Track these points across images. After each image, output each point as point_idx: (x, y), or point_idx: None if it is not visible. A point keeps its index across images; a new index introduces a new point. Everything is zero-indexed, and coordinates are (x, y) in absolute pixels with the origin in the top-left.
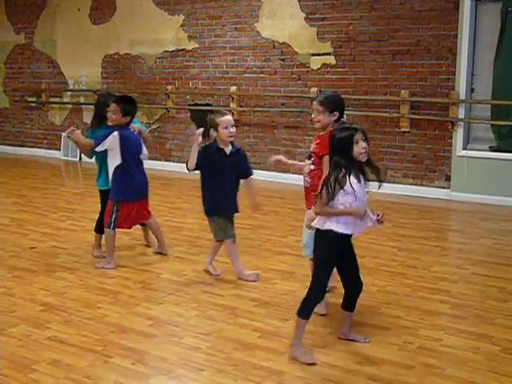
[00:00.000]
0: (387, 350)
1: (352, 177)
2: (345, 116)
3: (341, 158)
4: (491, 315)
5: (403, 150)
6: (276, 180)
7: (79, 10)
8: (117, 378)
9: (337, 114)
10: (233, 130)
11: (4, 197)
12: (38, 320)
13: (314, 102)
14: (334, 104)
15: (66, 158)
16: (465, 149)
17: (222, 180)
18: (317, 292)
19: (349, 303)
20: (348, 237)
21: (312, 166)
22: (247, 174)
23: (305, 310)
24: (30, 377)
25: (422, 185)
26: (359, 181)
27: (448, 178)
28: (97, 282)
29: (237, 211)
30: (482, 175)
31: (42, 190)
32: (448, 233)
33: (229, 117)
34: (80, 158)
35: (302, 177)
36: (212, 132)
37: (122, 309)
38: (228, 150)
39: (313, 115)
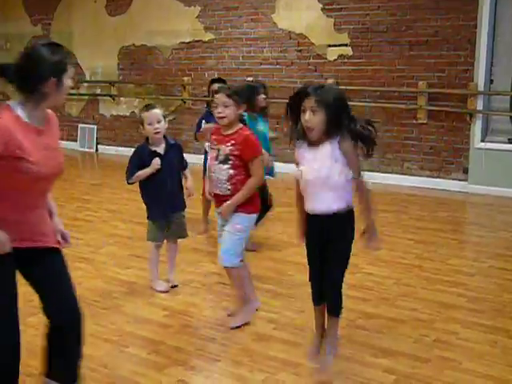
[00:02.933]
0: (403, 343)
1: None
2: None
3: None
4: (508, 309)
5: (420, 142)
6: (293, 172)
7: (95, 1)
8: (133, 368)
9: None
10: (158, 125)
11: None
12: None
13: (219, 96)
14: (242, 96)
15: (83, 149)
16: (483, 141)
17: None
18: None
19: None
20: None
21: (231, 171)
22: (183, 168)
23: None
24: None
25: (439, 177)
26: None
27: (466, 171)
28: (113, 273)
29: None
30: (501, 168)
31: (59, 181)
32: (465, 225)
33: (155, 110)
34: (96, 150)
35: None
36: (140, 129)
37: (137, 299)
38: (161, 148)
39: (218, 110)
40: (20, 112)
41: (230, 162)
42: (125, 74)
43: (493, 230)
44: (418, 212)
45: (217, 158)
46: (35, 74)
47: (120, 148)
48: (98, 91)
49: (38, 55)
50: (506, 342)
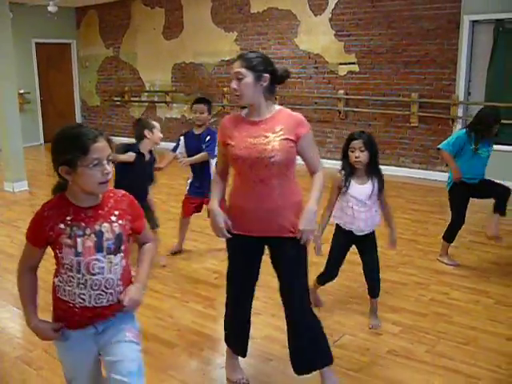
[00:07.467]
0: (406, 302)
1: (353, 181)
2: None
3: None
4: (487, 275)
5: (412, 141)
6: None
7: (155, 28)
8: (193, 319)
9: None
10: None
11: None
12: None
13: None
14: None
15: None
16: None
17: None
18: None
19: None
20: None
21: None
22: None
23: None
24: None
25: (427, 169)
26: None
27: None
28: (172, 242)
29: None
30: None
31: None
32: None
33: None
34: None
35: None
36: (147, 133)
37: (194, 264)
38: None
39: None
40: (243, 112)
41: None
42: (177, 85)
43: (472, 212)
44: (412, 197)
45: None
46: None
47: (172, 143)
48: (156, 99)
49: None
50: (486, 301)
